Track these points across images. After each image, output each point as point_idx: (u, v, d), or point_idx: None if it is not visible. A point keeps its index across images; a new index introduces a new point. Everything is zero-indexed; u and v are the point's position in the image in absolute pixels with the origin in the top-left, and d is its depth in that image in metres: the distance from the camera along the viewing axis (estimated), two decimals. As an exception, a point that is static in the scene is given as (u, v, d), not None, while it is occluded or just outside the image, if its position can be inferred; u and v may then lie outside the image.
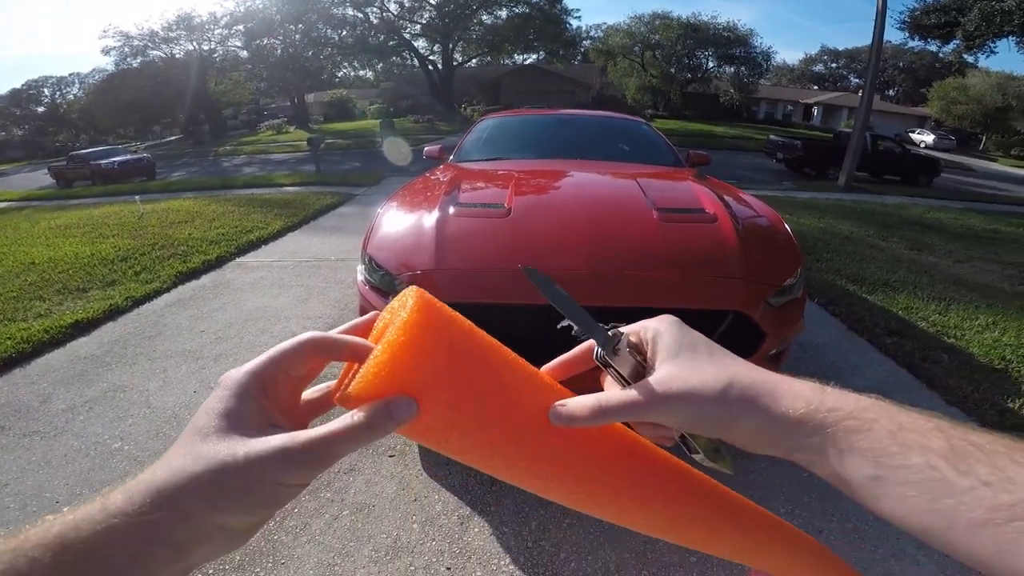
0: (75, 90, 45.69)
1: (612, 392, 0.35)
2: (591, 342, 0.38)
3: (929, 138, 32.21)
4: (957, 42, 16.03)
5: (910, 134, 32.97)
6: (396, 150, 14.93)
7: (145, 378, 2.78)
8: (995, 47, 15.83)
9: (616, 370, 0.35)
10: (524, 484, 0.36)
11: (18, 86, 47.86)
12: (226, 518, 0.27)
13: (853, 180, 11.24)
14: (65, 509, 0.26)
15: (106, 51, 31.13)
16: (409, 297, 0.32)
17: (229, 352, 3.03)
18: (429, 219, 2.05)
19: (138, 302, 3.81)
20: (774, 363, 1.96)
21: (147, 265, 4.55)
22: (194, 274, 4.41)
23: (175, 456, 0.28)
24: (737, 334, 1.79)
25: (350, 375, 0.32)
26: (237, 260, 4.84)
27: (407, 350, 0.29)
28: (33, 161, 35.03)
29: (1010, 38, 14.99)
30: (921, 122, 37.85)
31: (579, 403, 0.34)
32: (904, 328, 3.35)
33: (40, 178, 19.30)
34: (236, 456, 0.27)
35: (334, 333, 0.35)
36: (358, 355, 0.32)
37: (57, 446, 2.27)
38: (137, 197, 8.05)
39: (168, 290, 4.08)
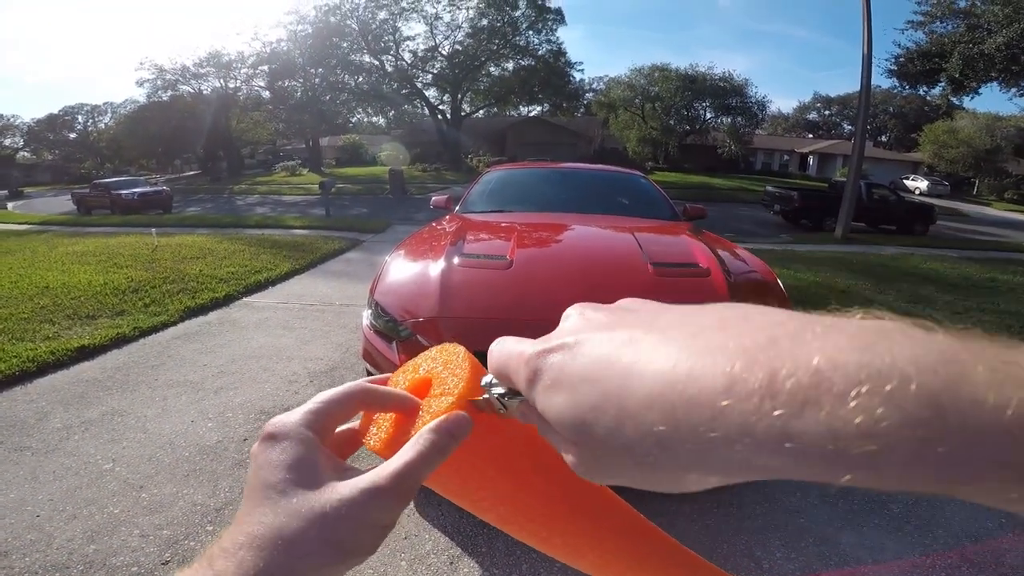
0: (107, 119, 47.29)
1: None
2: None
3: (923, 184, 32.19)
4: (943, 86, 16.58)
5: (904, 180, 33.01)
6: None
7: (144, 404, 2.84)
8: (979, 90, 16.38)
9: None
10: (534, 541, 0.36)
11: (55, 111, 49.94)
12: (328, 573, 0.26)
13: (850, 231, 11.36)
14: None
15: (140, 83, 32.47)
16: (458, 355, 0.32)
17: (230, 386, 3.09)
18: (435, 268, 2.15)
19: (145, 333, 3.93)
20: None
21: (156, 298, 4.68)
22: (202, 310, 4.53)
23: (262, 514, 0.26)
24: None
25: (374, 420, 0.33)
26: (244, 299, 4.95)
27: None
28: (58, 186, 35.93)
29: (995, 81, 15.48)
30: (914, 168, 37.88)
31: None
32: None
33: (62, 203, 19.86)
34: (332, 505, 0.26)
35: (381, 387, 0.34)
36: (405, 408, 0.32)
37: (47, 463, 2.30)
38: (153, 230, 8.29)
39: (175, 323, 4.19)
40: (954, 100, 19.53)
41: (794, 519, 2.05)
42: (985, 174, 33.63)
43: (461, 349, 0.32)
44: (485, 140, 36.46)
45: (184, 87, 33.11)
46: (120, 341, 3.73)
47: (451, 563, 1.80)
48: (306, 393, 3.04)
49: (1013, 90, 15.78)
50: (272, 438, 0.29)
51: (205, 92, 32.96)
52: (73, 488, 2.14)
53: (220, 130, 32.64)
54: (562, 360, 0.21)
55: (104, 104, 49.12)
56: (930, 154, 34.08)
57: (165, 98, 32.88)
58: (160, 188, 17.81)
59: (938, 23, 15.37)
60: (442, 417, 0.29)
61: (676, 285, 2.10)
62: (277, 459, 0.28)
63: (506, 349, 0.26)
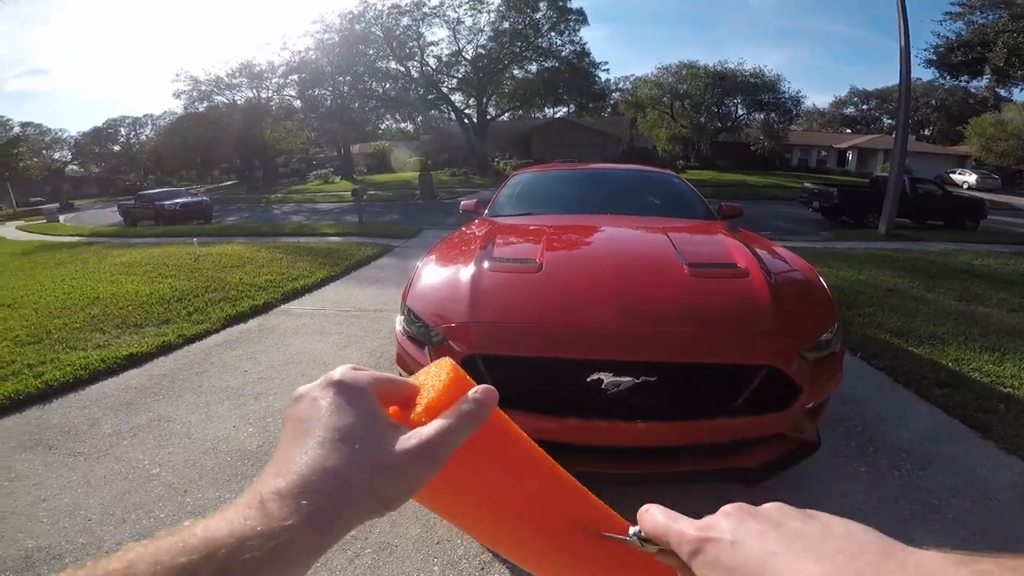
0: (147, 131, 49.27)
1: None
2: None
3: (972, 178, 30.72)
4: (988, 77, 15.67)
5: (951, 175, 31.60)
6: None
7: (189, 410, 2.92)
8: None
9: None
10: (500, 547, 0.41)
11: (100, 124, 52.36)
12: (361, 519, 0.29)
13: (894, 227, 10.91)
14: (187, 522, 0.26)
15: (177, 95, 33.40)
16: (443, 369, 0.37)
17: (269, 391, 3.15)
18: (465, 273, 2.15)
19: (189, 340, 4.04)
20: (812, 417, 1.93)
21: (199, 307, 4.82)
22: (242, 317, 4.63)
23: (322, 457, 0.29)
24: (772, 388, 1.78)
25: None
26: (283, 306, 5.06)
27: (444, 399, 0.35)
28: (104, 198, 37.67)
29: None
30: (961, 161, 36.33)
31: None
32: (955, 380, 3.20)
33: (109, 215, 20.82)
34: (387, 460, 0.30)
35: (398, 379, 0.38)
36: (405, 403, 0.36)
37: (98, 468, 2.39)
38: (195, 240, 8.56)
39: (217, 331, 4.30)
40: (1000, 91, 18.48)
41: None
42: (1038, 167, 31.80)
43: (447, 363, 0.37)
44: (511, 143, 36.56)
45: (219, 97, 34.08)
46: (166, 349, 3.86)
47: (482, 568, 1.79)
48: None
49: None
50: (343, 385, 0.33)
51: (239, 102, 33.91)
52: (122, 493, 2.21)
53: (254, 139, 33.60)
54: (722, 552, 0.29)
55: (144, 116, 51.29)
56: (978, 147, 32.73)
57: (201, 109, 33.88)
58: (201, 199, 18.37)
59: (978, 13, 14.58)
60: (475, 388, 0.35)
61: (713, 286, 2.04)
62: (347, 405, 0.32)
63: (664, 524, 0.33)
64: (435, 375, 0.37)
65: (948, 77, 17.47)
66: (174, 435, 2.66)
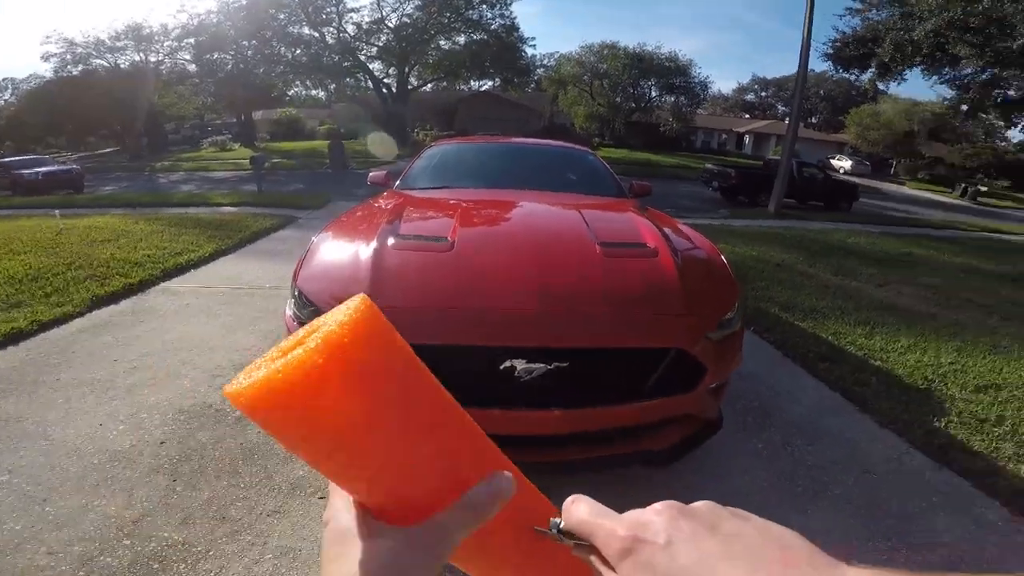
0: (7, 95, 42.83)
1: None
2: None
3: (847, 164, 34.43)
4: (872, 71, 17.43)
5: (831, 160, 35.11)
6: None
7: (44, 408, 2.56)
8: (905, 75, 17.43)
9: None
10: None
11: None
12: None
13: (782, 207, 11.95)
14: None
15: (46, 57, 29.88)
16: (353, 303, 0.29)
17: (144, 383, 2.81)
18: (366, 251, 1.96)
19: (45, 326, 3.52)
20: (715, 396, 1.99)
21: (60, 286, 4.22)
22: (113, 298, 4.11)
23: None
24: (678, 370, 1.79)
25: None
26: (163, 285, 4.55)
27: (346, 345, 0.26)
28: None
29: (919, 67, 16.43)
30: (840, 148, 40.29)
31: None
32: (834, 353, 3.52)
33: None
34: (373, 565, 0.29)
35: None
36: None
37: None
38: (57, 212, 7.49)
39: (81, 314, 3.77)
40: (880, 85, 20.66)
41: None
42: (902, 155, 36.29)
43: (360, 299, 0.29)
44: (435, 114, 35.48)
45: (98, 61, 30.79)
46: (15, 337, 3.31)
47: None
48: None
49: (934, 77, 16.82)
50: (326, 524, 0.33)
51: (123, 66, 30.78)
52: (-37, 505, 1.88)
53: (140, 105, 30.34)
54: (655, 555, 0.28)
55: (4, 80, 44.29)
56: (854, 135, 36.37)
57: (75, 73, 30.47)
58: (70, 167, 16.34)
59: (874, 11, 16.06)
60: (485, 480, 0.32)
61: (624, 266, 2.02)
62: (328, 538, 0.32)
63: (591, 520, 0.31)
64: (342, 312, 0.29)
65: (840, 70, 19.11)
66: (27, 436, 2.31)
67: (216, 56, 29.03)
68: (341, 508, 0.33)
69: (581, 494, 0.34)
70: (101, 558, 1.69)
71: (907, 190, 28.30)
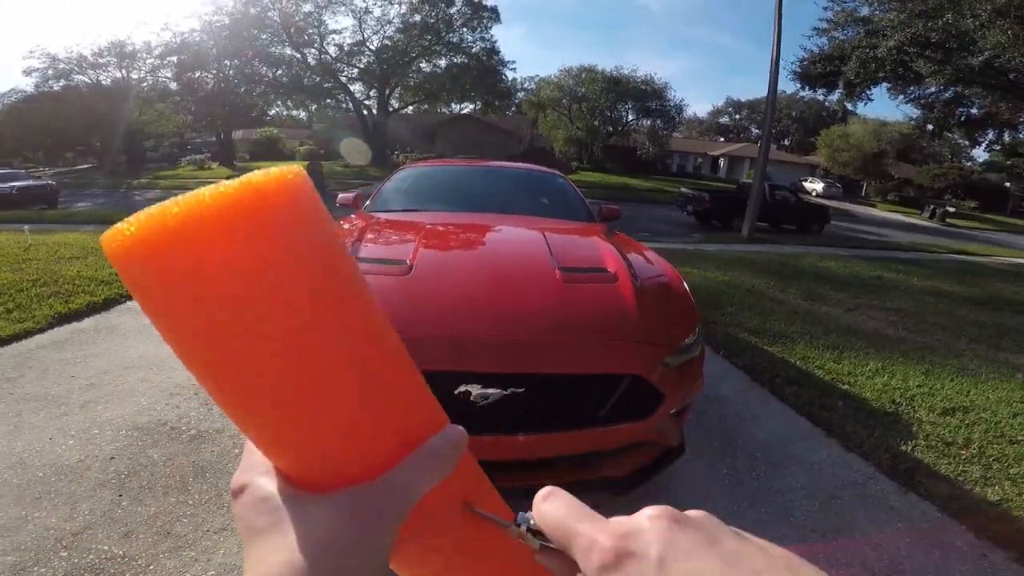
0: None
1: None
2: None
3: (819, 186, 35.02)
4: (840, 91, 17.98)
5: (803, 182, 35.72)
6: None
7: None
8: (871, 95, 17.90)
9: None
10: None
11: None
12: None
13: (755, 231, 12.10)
14: None
15: (28, 72, 29.73)
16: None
17: (100, 399, 2.77)
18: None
19: (3, 342, 3.50)
20: (677, 421, 1.95)
21: (22, 303, 4.17)
22: (75, 316, 4.09)
23: (265, 562, 0.24)
24: (635, 395, 1.76)
25: None
26: (128, 304, 4.45)
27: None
28: None
29: (884, 84, 16.99)
30: (812, 170, 41.11)
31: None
32: (802, 378, 3.52)
33: None
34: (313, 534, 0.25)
35: None
36: None
37: None
38: (26, 227, 7.28)
39: (42, 331, 3.75)
40: (849, 106, 21.31)
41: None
42: (872, 177, 37.12)
43: (297, 166, 0.25)
44: (415, 137, 35.71)
45: (80, 77, 30.80)
46: (-29, 351, 3.23)
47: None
48: (189, 407, 2.73)
49: (900, 97, 17.43)
50: (239, 491, 0.27)
51: (104, 83, 30.82)
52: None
53: (120, 122, 30.21)
54: (645, 573, 0.23)
55: None
56: (826, 157, 37.12)
57: (56, 88, 30.54)
58: (45, 182, 16.10)
59: (840, 30, 16.65)
60: (440, 432, 0.28)
61: (582, 293, 1.99)
62: (248, 508, 0.26)
63: (569, 522, 0.26)
64: (274, 169, 0.24)
65: (808, 88, 19.69)
66: (-29, 450, 2.24)
67: (198, 74, 29.26)
68: (260, 471, 0.27)
69: (556, 487, 0.29)
70: (35, 568, 1.67)
71: (877, 212, 29.13)
